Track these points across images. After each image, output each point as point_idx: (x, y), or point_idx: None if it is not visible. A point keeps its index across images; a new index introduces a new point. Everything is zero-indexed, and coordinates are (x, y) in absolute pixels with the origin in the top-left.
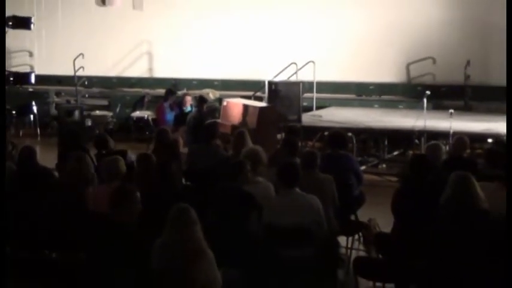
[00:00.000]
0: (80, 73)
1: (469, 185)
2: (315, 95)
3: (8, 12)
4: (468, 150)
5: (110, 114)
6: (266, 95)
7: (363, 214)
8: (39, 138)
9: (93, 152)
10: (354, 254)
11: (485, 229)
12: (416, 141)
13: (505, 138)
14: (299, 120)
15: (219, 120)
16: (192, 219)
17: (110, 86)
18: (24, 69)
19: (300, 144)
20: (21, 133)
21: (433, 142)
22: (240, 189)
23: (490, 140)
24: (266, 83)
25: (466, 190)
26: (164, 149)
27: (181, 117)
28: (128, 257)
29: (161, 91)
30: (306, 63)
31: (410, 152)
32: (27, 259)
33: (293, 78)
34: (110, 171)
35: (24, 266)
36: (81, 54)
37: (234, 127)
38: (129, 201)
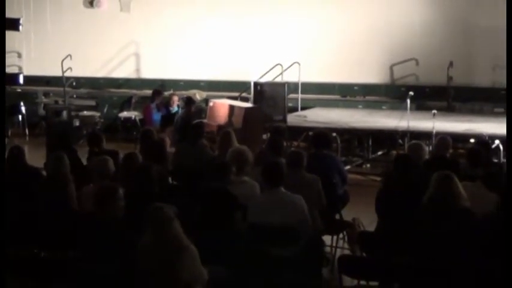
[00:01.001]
0: (68, 74)
1: (451, 185)
2: (300, 95)
3: None
4: (451, 150)
5: (98, 114)
6: (252, 95)
7: (347, 213)
8: (27, 138)
9: (83, 150)
10: (338, 252)
11: (467, 228)
12: (400, 141)
13: (486, 138)
14: (284, 120)
15: (205, 121)
16: (168, 217)
17: (97, 87)
18: (13, 70)
19: (285, 144)
20: (9, 133)
21: (414, 142)
22: (223, 189)
23: (472, 140)
24: (252, 83)
25: (448, 189)
26: (149, 149)
27: (168, 117)
28: (112, 254)
29: (148, 92)
30: (291, 65)
31: (394, 152)
32: (16, 257)
33: (278, 79)
34: (99, 171)
35: (13, 264)
36: (69, 55)
37: (220, 127)
38: (112, 199)
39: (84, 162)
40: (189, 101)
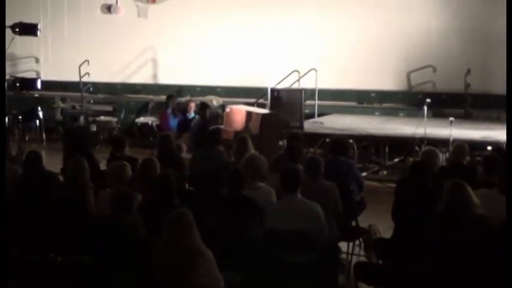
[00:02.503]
0: (85, 79)
1: (463, 193)
2: (316, 102)
3: (15, 19)
4: (468, 158)
5: (115, 120)
6: (268, 101)
7: (364, 220)
8: (44, 143)
9: (100, 156)
10: (354, 259)
11: (481, 235)
12: (417, 148)
13: (504, 146)
14: (301, 126)
15: (222, 127)
16: (190, 223)
17: (114, 92)
18: (31, 75)
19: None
20: (27, 138)
21: (428, 148)
22: (242, 194)
23: (489, 148)
24: (269, 90)
25: (460, 198)
26: (167, 155)
27: (184, 123)
28: (128, 259)
29: (165, 97)
30: (308, 71)
31: (411, 159)
32: (32, 261)
33: (295, 86)
34: (116, 176)
35: (30, 268)
36: (87, 60)
37: (236, 133)
38: (128, 204)
39: (102, 166)
40: (203, 107)
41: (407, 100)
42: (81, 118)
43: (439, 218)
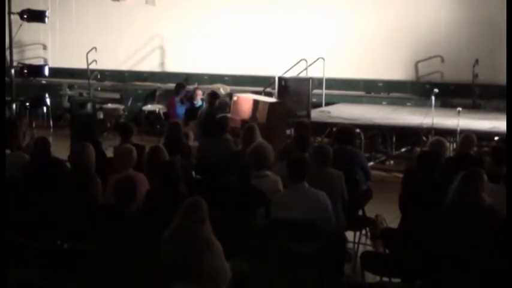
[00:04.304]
0: (92, 66)
1: (479, 182)
2: (324, 91)
3: (23, 6)
4: (475, 148)
5: (122, 107)
6: (276, 90)
7: (370, 210)
8: (51, 130)
9: (107, 143)
10: (361, 248)
11: (491, 227)
12: (424, 138)
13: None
14: (308, 116)
15: (229, 115)
16: (204, 212)
17: (122, 80)
18: (38, 61)
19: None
20: (34, 125)
21: (436, 138)
22: (249, 183)
23: (496, 138)
24: (276, 78)
25: (476, 187)
26: (174, 142)
27: (192, 111)
28: (132, 247)
29: (172, 85)
30: (316, 60)
31: (418, 149)
32: (39, 248)
33: (303, 75)
34: (122, 160)
35: (37, 255)
36: (94, 48)
37: (244, 121)
38: (129, 192)
39: (110, 154)
40: (213, 95)
41: (415, 90)
42: (89, 105)
43: (450, 207)
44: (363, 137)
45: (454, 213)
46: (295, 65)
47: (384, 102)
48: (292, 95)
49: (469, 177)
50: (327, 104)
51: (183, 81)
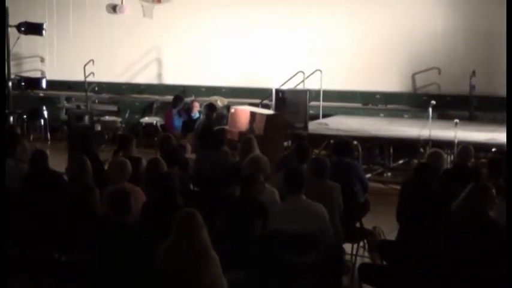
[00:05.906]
0: (90, 79)
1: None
2: (321, 103)
3: (21, 18)
4: (473, 160)
5: (119, 119)
6: (273, 102)
7: (368, 221)
8: (49, 142)
9: (105, 155)
10: (358, 260)
11: (494, 238)
12: (422, 150)
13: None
14: (306, 128)
15: (226, 127)
16: (199, 224)
17: (119, 92)
18: (36, 74)
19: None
20: (31, 137)
21: (434, 149)
22: (245, 196)
23: (493, 150)
24: (273, 91)
25: (484, 200)
26: (170, 155)
27: (189, 123)
28: (129, 257)
29: (170, 97)
30: (313, 72)
31: (415, 161)
32: (36, 260)
33: (300, 87)
34: (117, 173)
35: (34, 267)
36: (92, 60)
37: (241, 134)
38: (124, 203)
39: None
40: (210, 108)
41: (412, 102)
42: (86, 118)
43: (453, 218)
44: (360, 149)
45: (457, 224)
46: (292, 77)
47: (381, 114)
48: (289, 107)
49: (478, 189)
50: (324, 116)
51: (181, 94)
